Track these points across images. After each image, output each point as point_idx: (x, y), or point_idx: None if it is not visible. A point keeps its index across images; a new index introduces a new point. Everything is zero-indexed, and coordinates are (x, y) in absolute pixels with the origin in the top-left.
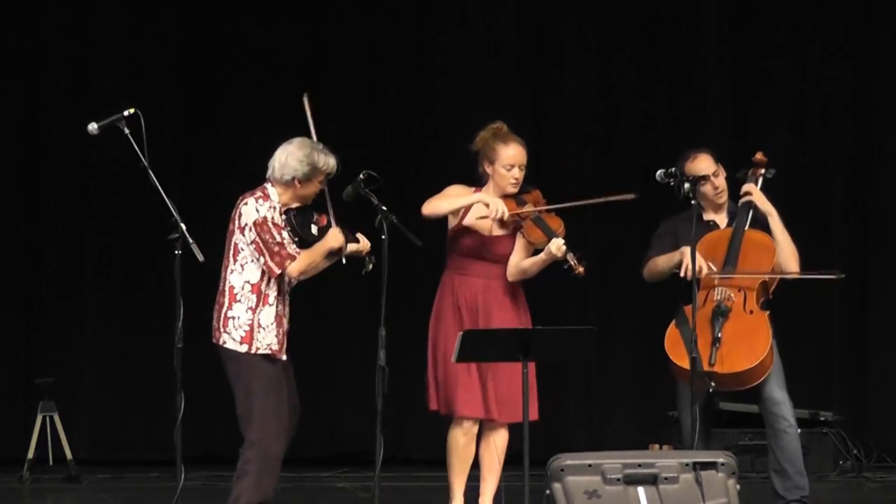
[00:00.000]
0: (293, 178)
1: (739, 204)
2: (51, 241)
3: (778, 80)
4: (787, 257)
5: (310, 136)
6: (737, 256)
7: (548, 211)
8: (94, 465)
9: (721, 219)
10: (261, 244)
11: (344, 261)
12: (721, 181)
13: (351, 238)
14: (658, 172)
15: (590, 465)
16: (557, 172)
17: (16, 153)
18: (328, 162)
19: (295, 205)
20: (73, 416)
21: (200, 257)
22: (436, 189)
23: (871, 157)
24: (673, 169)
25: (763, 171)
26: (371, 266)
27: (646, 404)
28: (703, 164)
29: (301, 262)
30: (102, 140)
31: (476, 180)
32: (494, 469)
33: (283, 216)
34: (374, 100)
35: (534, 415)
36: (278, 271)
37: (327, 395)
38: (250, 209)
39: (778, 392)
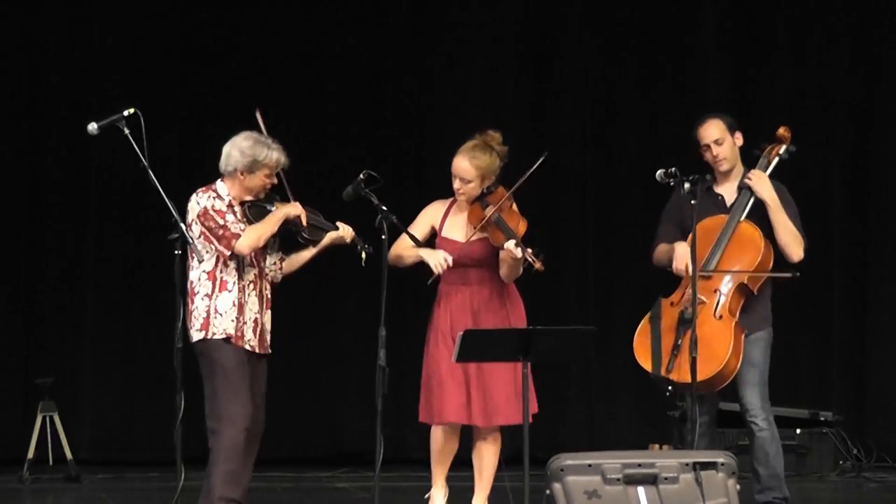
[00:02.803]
0: (235, 170)
1: (742, 188)
2: (51, 241)
3: (777, 80)
4: (787, 243)
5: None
6: (721, 252)
7: (512, 206)
8: (94, 465)
9: (729, 192)
10: (206, 232)
11: (302, 240)
12: (724, 150)
13: (328, 227)
14: (658, 172)
15: (590, 465)
16: (557, 172)
17: (16, 153)
18: (270, 155)
19: (248, 198)
20: (73, 416)
21: (200, 257)
22: (436, 188)
23: (871, 157)
24: (673, 169)
25: (783, 148)
26: (366, 255)
27: (646, 404)
28: (708, 130)
29: (247, 236)
30: (102, 140)
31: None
32: (485, 474)
33: (238, 207)
34: (373, 100)
35: (532, 408)
36: (228, 252)
37: (327, 395)
38: (192, 204)
39: (749, 394)
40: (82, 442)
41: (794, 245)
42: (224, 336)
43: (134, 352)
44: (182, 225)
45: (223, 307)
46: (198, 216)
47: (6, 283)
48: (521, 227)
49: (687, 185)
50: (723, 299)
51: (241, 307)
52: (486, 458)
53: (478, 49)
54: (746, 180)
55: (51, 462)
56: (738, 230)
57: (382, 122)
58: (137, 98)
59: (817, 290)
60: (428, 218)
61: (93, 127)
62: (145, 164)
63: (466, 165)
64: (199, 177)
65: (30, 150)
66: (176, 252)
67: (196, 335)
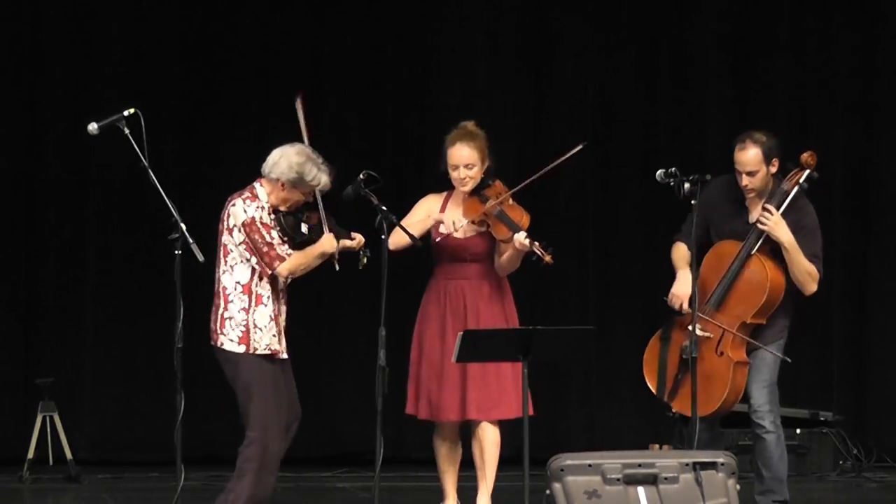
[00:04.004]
0: (278, 180)
1: (755, 223)
2: (51, 241)
3: (778, 80)
4: (802, 282)
5: (301, 139)
6: (726, 291)
7: (511, 201)
8: (94, 465)
9: (756, 211)
10: (251, 245)
11: (338, 267)
12: (756, 181)
13: (345, 235)
14: (658, 172)
15: (590, 465)
16: (557, 172)
17: (16, 153)
18: (319, 177)
19: (282, 208)
20: (73, 416)
21: (200, 257)
22: (436, 187)
23: (871, 157)
24: (673, 169)
25: (805, 174)
26: (366, 260)
27: (646, 404)
28: (745, 157)
29: (291, 263)
30: (102, 140)
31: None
32: (488, 471)
33: (272, 216)
34: (373, 99)
35: (511, 413)
36: (269, 271)
37: (327, 395)
38: (238, 210)
39: (757, 396)
40: (82, 442)
41: (808, 283)
42: (267, 351)
43: (134, 352)
44: (182, 225)
45: (262, 321)
46: (244, 224)
47: (6, 283)
48: (525, 220)
49: (687, 186)
50: (726, 335)
51: (276, 319)
52: (487, 452)
53: (478, 49)
54: (761, 223)
55: (51, 462)
56: (747, 268)
57: (383, 122)
58: (137, 98)
59: (818, 289)
60: (424, 210)
61: (93, 127)
62: (145, 164)
63: (468, 151)
64: (199, 177)
65: (30, 150)
66: (176, 252)
67: (232, 346)
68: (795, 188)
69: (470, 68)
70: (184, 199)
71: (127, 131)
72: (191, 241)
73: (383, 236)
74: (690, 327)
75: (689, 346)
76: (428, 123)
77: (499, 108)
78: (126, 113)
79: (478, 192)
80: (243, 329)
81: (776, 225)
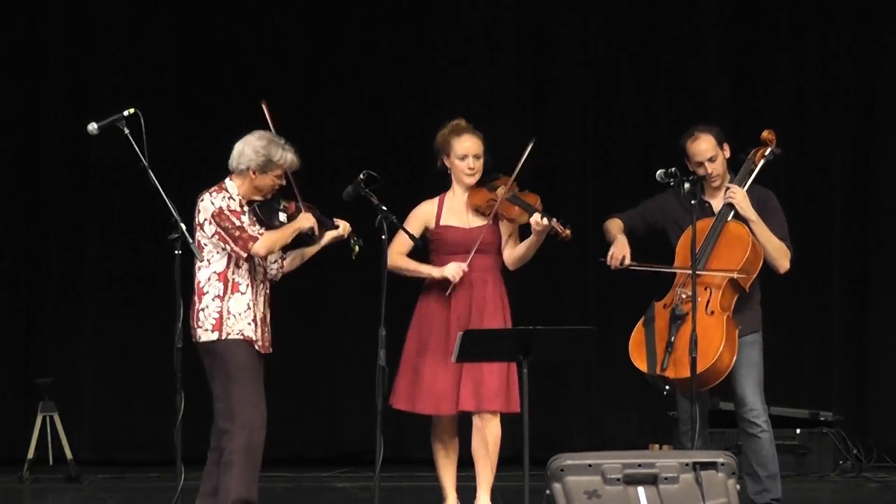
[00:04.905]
0: (248, 168)
1: (723, 203)
2: (51, 241)
3: (778, 78)
4: (774, 258)
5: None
6: (709, 249)
7: (520, 189)
8: (94, 465)
9: (717, 201)
10: (222, 233)
11: (316, 240)
12: (717, 166)
13: (329, 224)
14: (658, 172)
15: (590, 465)
16: (557, 172)
17: (16, 153)
18: (285, 156)
19: (256, 197)
20: (73, 416)
21: (200, 257)
22: (437, 187)
23: (871, 156)
24: (673, 169)
25: (768, 150)
26: (358, 248)
27: (646, 404)
28: (701, 146)
29: (265, 241)
30: (102, 140)
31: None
32: (486, 463)
33: (247, 208)
34: (373, 99)
35: (514, 407)
36: (244, 254)
37: (327, 395)
38: (206, 203)
39: (750, 395)
40: (82, 442)
41: (780, 259)
42: (240, 337)
43: (134, 352)
44: (182, 225)
45: (237, 309)
46: (213, 216)
47: (6, 283)
48: (538, 203)
49: (687, 185)
50: (714, 295)
51: (253, 309)
52: (490, 446)
53: (478, 50)
54: (729, 198)
55: (51, 462)
56: (726, 228)
57: (383, 121)
58: (137, 98)
59: (818, 289)
60: (420, 220)
61: (93, 127)
62: (145, 164)
63: (473, 141)
64: (198, 177)
65: (30, 151)
66: (176, 252)
67: (207, 335)
68: (762, 162)
69: (470, 69)
70: (183, 199)
71: (127, 131)
72: (191, 241)
73: (383, 236)
74: (678, 289)
75: (692, 301)
76: (428, 125)
77: (499, 109)
78: (126, 113)
79: (484, 183)
80: (216, 317)
81: (744, 199)
